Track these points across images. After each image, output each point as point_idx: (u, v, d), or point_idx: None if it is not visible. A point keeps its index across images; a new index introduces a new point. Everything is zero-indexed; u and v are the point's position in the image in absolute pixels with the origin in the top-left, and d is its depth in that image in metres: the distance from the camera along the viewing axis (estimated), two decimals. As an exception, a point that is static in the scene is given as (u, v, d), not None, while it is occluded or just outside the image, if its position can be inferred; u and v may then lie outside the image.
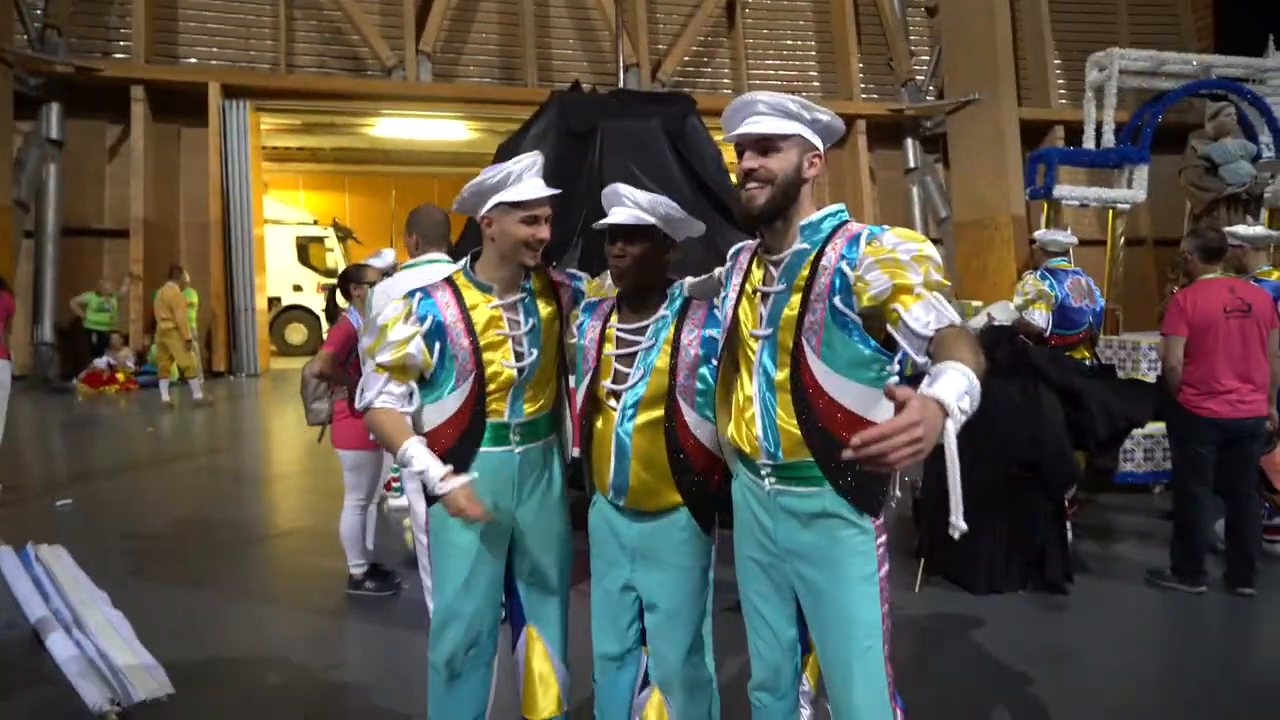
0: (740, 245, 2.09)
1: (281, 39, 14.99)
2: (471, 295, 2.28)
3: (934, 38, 17.22)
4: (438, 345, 2.24)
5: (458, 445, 2.25)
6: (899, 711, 1.90)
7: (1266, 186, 7.23)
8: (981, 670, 3.55)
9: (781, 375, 1.87)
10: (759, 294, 1.93)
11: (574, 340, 2.32)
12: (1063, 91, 16.59)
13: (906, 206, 17.01)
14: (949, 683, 3.45)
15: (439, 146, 19.13)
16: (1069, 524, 5.12)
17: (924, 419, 1.36)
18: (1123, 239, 7.36)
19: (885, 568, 1.89)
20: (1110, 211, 7.43)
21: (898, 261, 1.72)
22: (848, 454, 1.35)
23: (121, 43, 14.31)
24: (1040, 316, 5.24)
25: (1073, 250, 9.65)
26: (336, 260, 17.91)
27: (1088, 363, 5.21)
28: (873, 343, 1.80)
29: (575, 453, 2.41)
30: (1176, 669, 3.67)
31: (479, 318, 2.26)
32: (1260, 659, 3.85)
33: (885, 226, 1.83)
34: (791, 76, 17.22)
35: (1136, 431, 5.99)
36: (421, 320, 2.23)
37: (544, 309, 2.35)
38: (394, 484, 5.95)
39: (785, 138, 1.86)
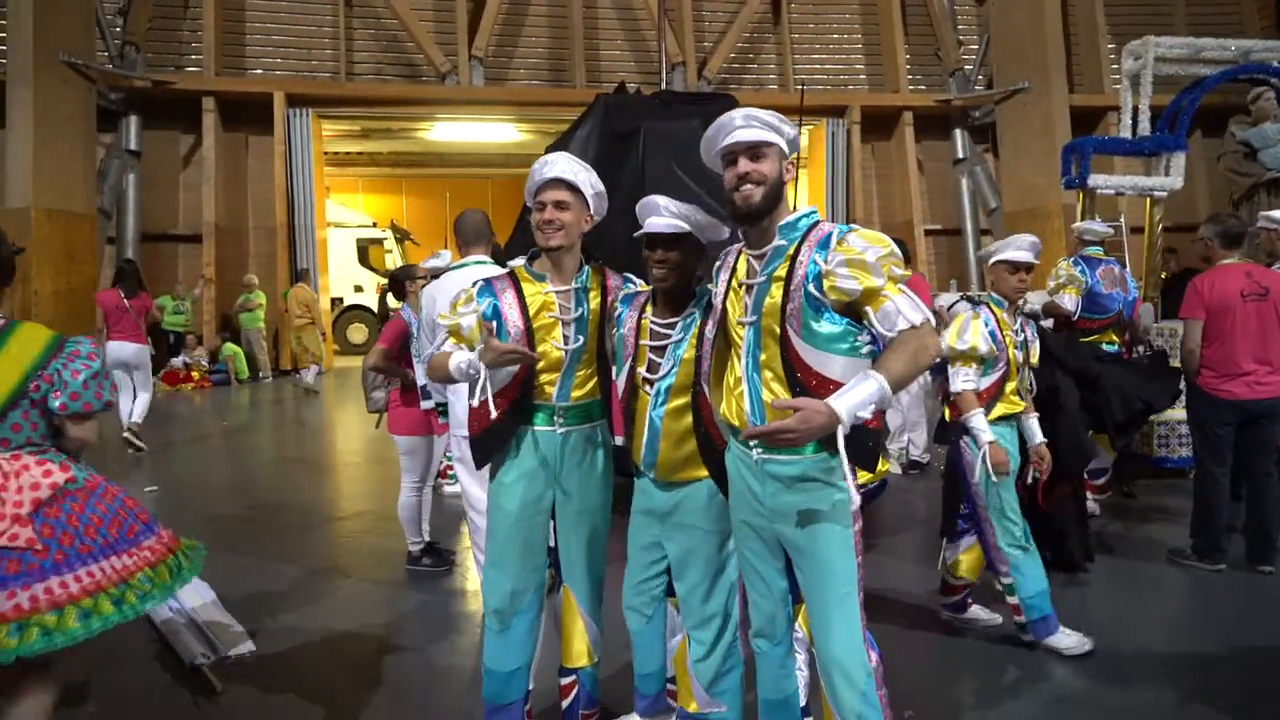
0: (729, 248, 2.37)
1: (341, 49, 15.63)
2: (529, 285, 2.62)
3: (982, 27, 17.07)
4: (495, 325, 2.57)
5: (508, 415, 2.57)
6: (872, 653, 2.16)
7: (1308, 171, 7.18)
8: (999, 641, 3.75)
9: (765, 356, 2.14)
10: (744, 286, 2.21)
11: (614, 330, 2.60)
12: (1116, 77, 16.30)
13: (955, 197, 16.92)
14: (968, 653, 3.67)
15: (491, 148, 19.64)
16: (1096, 506, 5.27)
17: (801, 429, 1.92)
18: (1161, 226, 7.38)
19: (859, 524, 2.15)
20: (1148, 200, 7.45)
21: (865, 264, 2.02)
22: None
23: (193, 56, 15.08)
24: (1069, 300, 5.40)
25: (1126, 238, 9.61)
26: (395, 261, 18.50)
27: (1115, 348, 5.34)
28: (842, 319, 2.09)
29: (618, 440, 2.67)
30: (1190, 642, 3.78)
31: (533, 303, 2.59)
32: (1276, 633, 3.92)
33: (852, 226, 2.12)
34: (838, 70, 17.26)
35: (1172, 417, 6.09)
36: (480, 303, 2.60)
37: (594, 301, 2.65)
38: (449, 471, 6.33)
39: (769, 145, 2.15)
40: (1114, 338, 5.56)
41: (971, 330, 3.46)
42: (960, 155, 16.91)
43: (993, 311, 3.60)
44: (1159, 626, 3.96)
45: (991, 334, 3.50)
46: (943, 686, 3.36)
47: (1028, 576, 3.57)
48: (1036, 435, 3.75)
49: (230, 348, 14.02)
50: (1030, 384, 3.83)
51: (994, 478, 3.48)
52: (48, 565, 2.28)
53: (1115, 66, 16.29)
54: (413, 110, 16.28)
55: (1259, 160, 7.31)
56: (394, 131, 18.40)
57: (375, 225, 19.81)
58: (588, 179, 2.60)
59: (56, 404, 2.42)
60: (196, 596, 4.14)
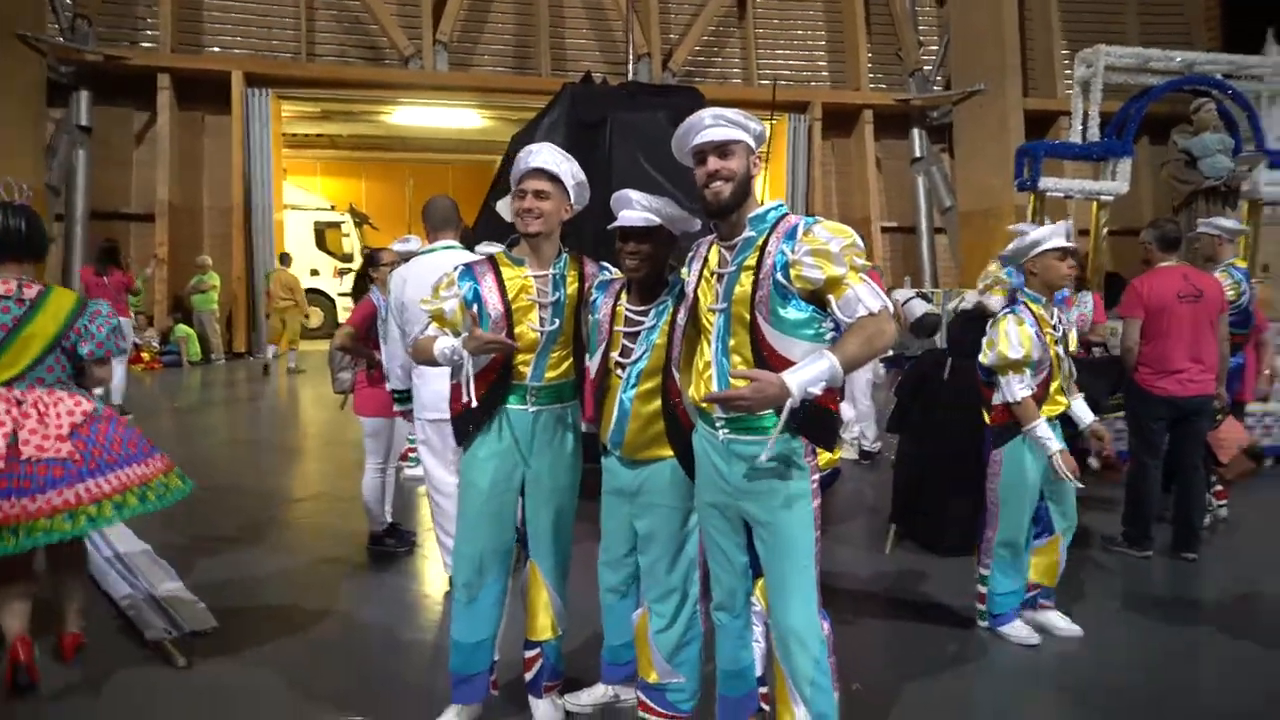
0: (701, 239, 2.48)
1: (302, 28, 15.41)
2: (508, 270, 2.72)
3: (942, 28, 17.41)
4: (475, 308, 2.66)
5: (488, 394, 2.67)
6: (825, 623, 2.29)
7: (1244, 180, 7.50)
8: (943, 622, 3.93)
9: (735, 342, 2.25)
10: (715, 275, 2.32)
11: (590, 316, 2.71)
12: (1069, 82, 16.74)
13: (912, 196, 17.25)
14: (913, 634, 3.83)
15: (454, 134, 19.52)
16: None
17: (754, 396, 2.06)
18: (1106, 229, 7.66)
19: (818, 500, 2.28)
20: (1095, 203, 7.73)
21: (829, 254, 2.13)
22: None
23: (148, 32, 14.77)
24: (996, 301, 5.59)
25: (1076, 239, 9.83)
26: (353, 245, 18.32)
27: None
28: (808, 306, 2.21)
29: (586, 427, 2.77)
30: (1119, 623, 4.01)
31: (512, 286, 2.69)
32: (1196, 615, 4.17)
33: (818, 218, 2.24)
34: (800, 66, 17.47)
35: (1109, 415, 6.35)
36: (461, 286, 2.69)
37: (571, 287, 2.75)
38: (410, 454, 6.37)
39: (736, 143, 2.26)
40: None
41: (1021, 337, 3.44)
42: (918, 154, 17.25)
43: (1030, 310, 3.54)
44: (1091, 608, 4.14)
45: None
46: (889, 664, 3.52)
47: (1008, 578, 3.69)
48: (1088, 416, 3.73)
49: (182, 329, 13.80)
50: (1071, 370, 3.74)
51: (1061, 478, 3.47)
52: (84, 471, 3.02)
53: (1068, 72, 16.82)
54: (375, 94, 16.13)
55: (1198, 168, 7.63)
56: (355, 114, 18.20)
57: (333, 208, 19.56)
58: (569, 170, 2.70)
59: (85, 351, 3.14)
60: (156, 571, 4.17)
